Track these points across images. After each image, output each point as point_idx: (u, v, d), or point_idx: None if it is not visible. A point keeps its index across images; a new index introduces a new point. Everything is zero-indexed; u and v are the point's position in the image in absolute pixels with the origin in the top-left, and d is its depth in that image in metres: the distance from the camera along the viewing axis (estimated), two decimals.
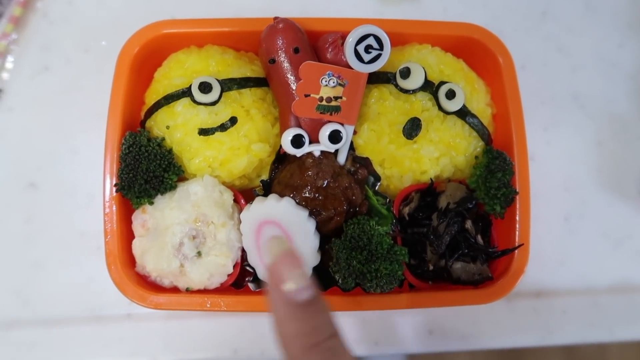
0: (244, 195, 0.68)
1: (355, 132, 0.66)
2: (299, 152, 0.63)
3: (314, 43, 0.67)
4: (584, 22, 0.87)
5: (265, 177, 0.70)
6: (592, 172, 0.83)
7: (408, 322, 0.77)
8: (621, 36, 0.87)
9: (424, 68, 0.64)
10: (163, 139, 0.65)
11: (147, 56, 0.69)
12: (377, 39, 0.58)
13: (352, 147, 0.67)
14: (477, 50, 0.70)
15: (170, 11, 0.84)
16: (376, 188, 0.68)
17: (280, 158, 0.68)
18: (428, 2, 0.87)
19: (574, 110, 0.85)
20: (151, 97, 0.67)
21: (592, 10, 0.87)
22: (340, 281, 0.62)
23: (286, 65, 0.62)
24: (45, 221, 0.78)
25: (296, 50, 0.62)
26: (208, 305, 0.62)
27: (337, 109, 0.62)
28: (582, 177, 0.83)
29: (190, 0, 0.84)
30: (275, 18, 0.65)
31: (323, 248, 0.65)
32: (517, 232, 0.66)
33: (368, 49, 0.58)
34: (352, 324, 0.77)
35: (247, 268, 0.68)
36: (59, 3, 0.83)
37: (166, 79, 0.66)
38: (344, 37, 0.66)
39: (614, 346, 1.41)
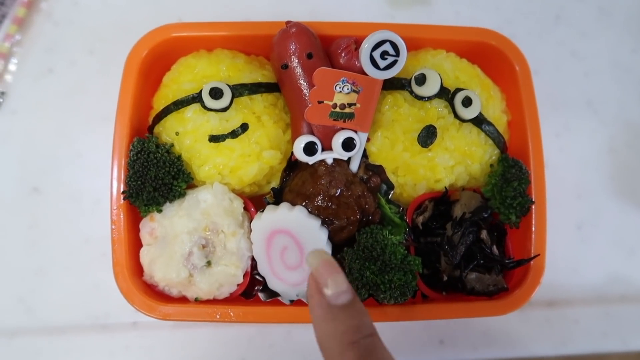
0: (254, 202, 0.67)
1: (368, 139, 0.65)
2: (311, 160, 0.62)
3: (326, 48, 0.65)
4: (597, 27, 0.86)
5: (275, 183, 0.68)
6: (605, 180, 0.82)
7: (419, 332, 0.76)
8: (635, 41, 0.86)
9: (439, 74, 0.63)
10: (172, 145, 0.63)
11: (156, 59, 0.67)
12: (393, 45, 0.57)
13: (365, 155, 0.66)
14: (492, 56, 0.69)
15: (177, 13, 0.82)
16: (389, 196, 0.66)
17: (292, 165, 0.67)
18: (439, 6, 0.85)
19: (587, 116, 0.84)
20: (159, 102, 0.65)
21: (606, 15, 0.86)
22: None
23: (299, 71, 0.61)
24: (49, 227, 0.76)
25: (309, 56, 0.61)
26: (217, 317, 0.61)
27: (350, 116, 0.60)
28: (595, 184, 0.82)
29: (198, 2, 0.83)
30: (288, 22, 0.63)
31: (335, 258, 0.63)
32: (532, 242, 0.65)
33: (384, 55, 0.57)
34: None
35: (257, 277, 0.67)
36: (63, 4, 0.82)
37: (175, 83, 0.64)
38: (357, 42, 0.65)
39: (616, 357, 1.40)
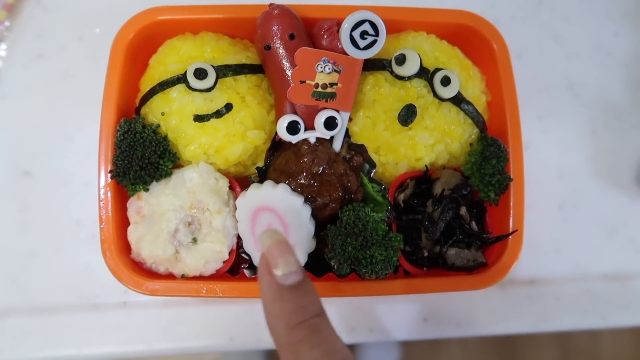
0: (239, 182, 0.68)
1: (350, 119, 0.66)
2: (294, 139, 0.64)
3: (309, 30, 0.67)
4: (579, 11, 0.87)
5: (260, 164, 0.70)
6: (586, 161, 0.84)
7: (402, 310, 0.77)
8: (616, 25, 0.87)
9: (419, 55, 0.64)
10: (158, 125, 0.65)
11: (142, 43, 0.68)
12: (373, 25, 0.58)
13: (347, 134, 0.67)
14: (472, 38, 0.70)
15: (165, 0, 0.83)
16: (371, 175, 0.68)
17: (276, 145, 0.68)
18: None
19: (568, 99, 0.85)
20: (146, 84, 0.67)
21: None
22: (335, 267, 0.62)
23: (281, 51, 0.62)
24: (40, 209, 0.78)
25: (292, 37, 0.62)
26: (204, 291, 0.62)
27: (332, 96, 0.62)
28: (577, 165, 0.84)
29: None
30: (271, 4, 0.64)
31: (318, 235, 0.65)
32: (511, 219, 0.67)
33: (363, 35, 0.58)
34: (346, 310, 0.77)
35: (243, 255, 0.68)
36: None
37: (161, 65, 0.66)
38: (339, 24, 0.66)
39: (607, 334, 1.43)
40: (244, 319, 0.76)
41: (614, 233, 0.82)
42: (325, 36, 0.65)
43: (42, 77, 0.81)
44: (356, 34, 0.58)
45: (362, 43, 0.59)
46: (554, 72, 0.86)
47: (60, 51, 0.81)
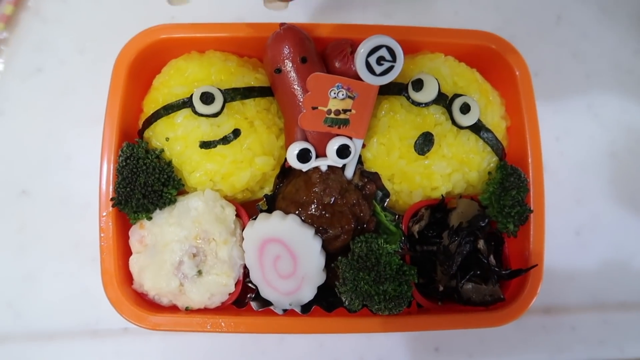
0: (246, 208, 0.65)
1: (364, 145, 0.63)
2: (305, 167, 0.61)
3: (321, 50, 0.64)
4: (599, 28, 0.84)
5: (269, 188, 0.67)
6: (604, 184, 0.81)
7: (413, 338, 0.75)
8: (637, 43, 0.84)
9: (437, 80, 0.61)
10: (162, 150, 0.62)
11: (145, 61, 0.65)
12: (390, 50, 0.55)
13: (360, 161, 0.64)
14: (492, 60, 0.67)
15: (170, 11, 0.80)
16: (385, 204, 0.65)
17: (285, 172, 0.65)
18: (439, 5, 0.83)
19: (587, 119, 0.82)
20: (149, 106, 0.64)
21: (609, 15, 0.84)
22: (347, 303, 0.60)
23: (293, 75, 0.59)
24: (38, 230, 0.74)
25: (303, 60, 0.59)
26: (208, 327, 0.60)
27: (345, 122, 0.59)
28: (595, 189, 0.81)
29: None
30: (281, 24, 0.61)
31: (329, 265, 0.62)
32: (530, 251, 0.64)
33: (380, 60, 0.55)
34: (354, 338, 0.74)
35: (250, 285, 0.65)
36: (52, 1, 0.79)
37: (166, 87, 0.63)
38: (353, 45, 0.63)
39: None
40: (249, 347, 0.73)
41: (632, 260, 0.79)
42: (339, 58, 0.62)
43: (40, 92, 0.77)
44: (372, 59, 0.55)
45: (378, 69, 0.56)
46: (572, 90, 0.83)
47: (60, 65, 0.78)
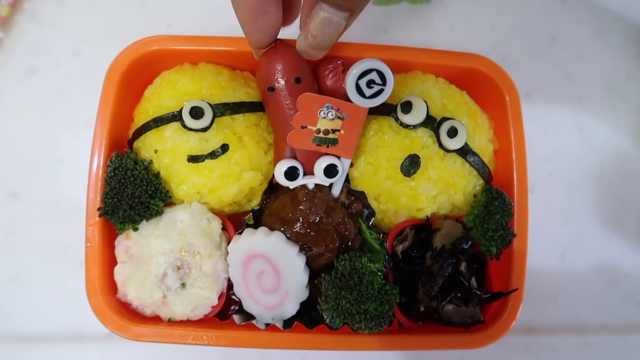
0: (233, 221, 0.66)
1: (351, 164, 0.64)
2: (292, 185, 0.61)
3: (313, 66, 0.64)
4: (593, 50, 0.85)
5: (256, 201, 0.67)
6: (591, 207, 0.82)
7: (394, 357, 0.75)
8: (631, 67, 0.85)
9: (426, 102, 0.61)
10: (150, 162, 0.62)
11: (138, 71, 0.65)
12: (380, 74, 0.55)
13: (347, 180, 0.65)
14: (482, 83, 0.68)
15: (166, 18, 0.80)
16: (370, 222, 0.65)
17: (273, 187, 0.66)
18: (435, 22, 0.83)
19: (577, 141, 0.83)
20: (140, 117, 0.64)
21: (603, 38, 0.85)
22: (328, 320, 0.60)
23: (286, 94, 0.59)
24: (26, 233, 0.75)
25: (297, 81, 0.59)
26: (190, 340, 0.60)
27: (334, 142, 0.59)
28: (581, 211, 0.81)
29: (187, 9, 0.81)
30: (276, 41, 0.61)
31: (312, 282, 0.63)
32: (512, 274, 0.64)
33: (370, 83, 0.55)
34: (339, 353, 0.75)
35: (233, 297, 0.66)
36: (49, 4, 0.79)
37: (156, 99, 0.63)
38: (345, 64, 0.63)
39: None
40: (232, 356, 0.74)
41: (614, 283, 0.80)
42: (330, 76, 0.63)
43: (34, 94, 0.78)
44: (362, 82, 0.55)
45: (367, 92, 0.56)
46: (563, 112, 0.84)
47: (55, 68, 0.78)
